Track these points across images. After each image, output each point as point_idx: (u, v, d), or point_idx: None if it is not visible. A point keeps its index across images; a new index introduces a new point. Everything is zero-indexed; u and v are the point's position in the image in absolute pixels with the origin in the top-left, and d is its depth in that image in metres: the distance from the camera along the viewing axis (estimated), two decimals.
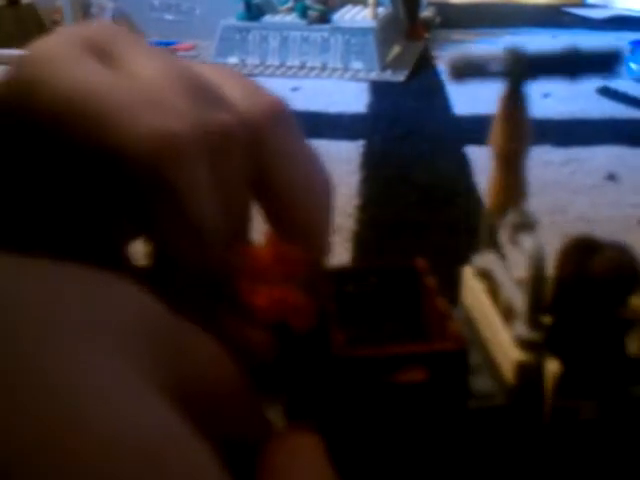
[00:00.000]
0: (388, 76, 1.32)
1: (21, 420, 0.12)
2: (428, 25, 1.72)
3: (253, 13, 1.45)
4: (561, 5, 2.27)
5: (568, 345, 0.25)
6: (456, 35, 1.75)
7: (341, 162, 0.86)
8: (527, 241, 0.25)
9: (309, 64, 1.38)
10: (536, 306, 0.25)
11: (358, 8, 1.53)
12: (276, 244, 0.23)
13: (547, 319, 0.25)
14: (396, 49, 1.52)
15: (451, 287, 0.32)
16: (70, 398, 0.12)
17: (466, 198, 0.72)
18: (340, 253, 0.60)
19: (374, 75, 1.33)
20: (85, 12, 1.66)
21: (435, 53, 1.53)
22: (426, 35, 1.67)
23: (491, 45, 1.60)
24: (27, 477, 0.11)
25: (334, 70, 1.36)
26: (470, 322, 0.30)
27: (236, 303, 0.22)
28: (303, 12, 1.42)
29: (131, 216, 0.23)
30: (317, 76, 1.34)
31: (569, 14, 2.11)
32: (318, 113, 1.09)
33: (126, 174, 0.20)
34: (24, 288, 0.14)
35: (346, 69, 1.37)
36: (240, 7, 1.45)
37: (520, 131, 0.27)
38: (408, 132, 0.98)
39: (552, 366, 0.25)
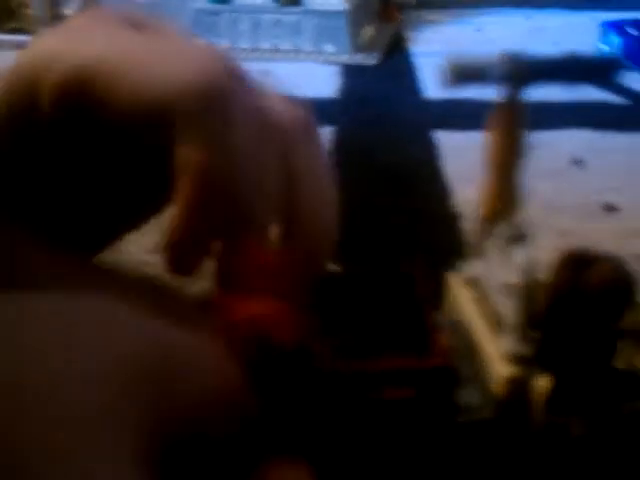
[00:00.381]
0: (360, 59, 1.32)
1: None
2: (401, 6, 1.71)
3: None
4: None
5: (559, 360, 0.25)
6: (430, 16, 1.74)
7: None
8: (519, 255, 0.25)
9: (281, 47, 1.37)
10: (526, 321, 0.25)
11: None
12: (259, 254, 0.23)
13: (537, 334, 0.25)
14: (369, 31, 1.51)
15: (410, 273, 0.31)
16: None
17: (431, 183, 0.72)
18: None
19: (346, 58, 1.33)
20: None
21: (409, 35, 1.52)
22: (400, 16, 1.66)
23: (465, 25, 1.60)
24: None
25: (306, 53, 1.35)
26: (458, 330, 0.30)
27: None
28: None
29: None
30: (289, 59, 1.33)
31: None
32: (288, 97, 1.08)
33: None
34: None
35: (318, 52, 1.36)
36: None
37: (517, 140, 0.27)
38: (377, 116, 0.98)
39: (542, 381, 0.24)
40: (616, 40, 1.22)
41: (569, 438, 0.24)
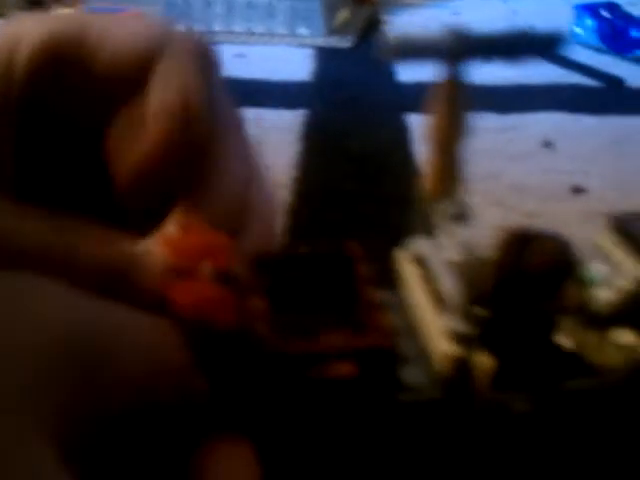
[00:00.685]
0: (335, 42, 1.31)
1: None
2: None
3: None
4: None
5: (502, 338, 0.24)
6: None
7: (282, 131, 0.85)
8: (461, 233, 0.25)
9: (255, 30, 1.36)
10: (471, 299, 0.24)
11: None
12: (198, 233, 0.22)
13: (482, 312, 0.25)
14: (344, 13, 1.50)
15: (382, 262, 0.31)
16: None
17: (401, 168, 0.72)
18: None
19: (320, 41, 1.32)
20: None
21: (384, 18, 1.51)
22: None
23: (442, 9, 1.60)
24: None
25: (280, 36, 1.34)
26: (405, 308, 0.30)
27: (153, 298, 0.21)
28: None
29: None
30: (263, 42, 1.32)
31: None
32: (261, 81, 1.07)
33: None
34: None
35: (292, 35, 1.35)
36: None
37: (458, 115, 0.26)
38: (350, 100, 0.97)
39: (485, 359, 0.24)
40: (590, 23, 1.22)
41: (512, 415, 0.24)
